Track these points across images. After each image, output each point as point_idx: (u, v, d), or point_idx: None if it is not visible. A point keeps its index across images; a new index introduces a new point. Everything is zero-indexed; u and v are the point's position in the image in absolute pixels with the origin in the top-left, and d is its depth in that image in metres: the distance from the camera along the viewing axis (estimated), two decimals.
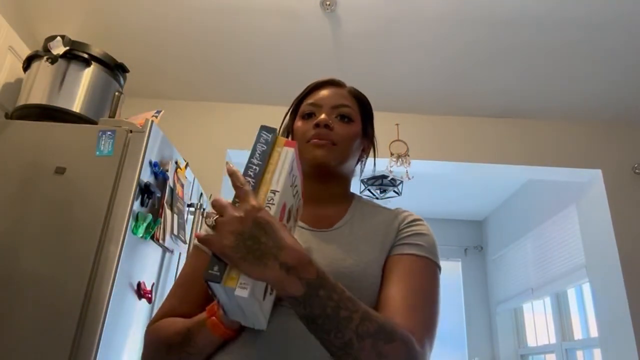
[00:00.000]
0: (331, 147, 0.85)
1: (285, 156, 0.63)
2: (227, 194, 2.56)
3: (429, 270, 0.79)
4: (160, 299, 1.77)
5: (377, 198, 3.47)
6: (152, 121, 1.72)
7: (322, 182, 0.89)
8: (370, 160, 1.02)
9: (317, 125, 0.86)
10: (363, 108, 0.95)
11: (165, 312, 0.80)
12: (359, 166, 0.99)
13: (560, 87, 2.65)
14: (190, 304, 0.78)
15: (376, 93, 2.77)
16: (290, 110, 0.98)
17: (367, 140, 0.98)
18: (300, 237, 0.82)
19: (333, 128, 0.86)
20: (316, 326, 0.57)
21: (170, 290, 0.85)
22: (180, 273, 0.86)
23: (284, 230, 0.57)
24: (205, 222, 0.58)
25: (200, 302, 0.78)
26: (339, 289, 0.59)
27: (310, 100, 0.92)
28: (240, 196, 0.58)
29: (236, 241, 0.54)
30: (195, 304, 0.78)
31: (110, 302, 1.41)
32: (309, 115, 0.90)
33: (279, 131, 0.97)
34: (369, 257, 0.78)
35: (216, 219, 0.56)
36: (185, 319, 0.74)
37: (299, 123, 0.91)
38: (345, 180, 0.93)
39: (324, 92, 0.92)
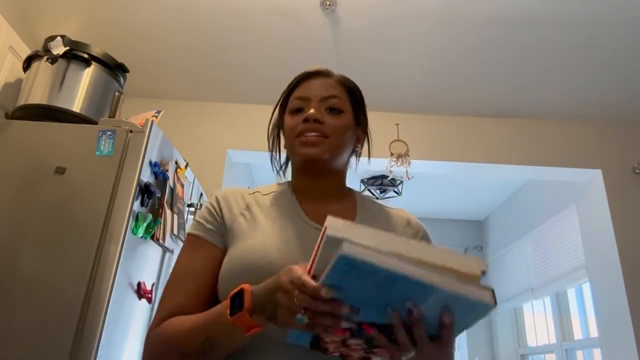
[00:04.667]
0: (322, 141, 0.83)
1: None
2: None
3: None
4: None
5: (377, 198, 3.47)
6: (152, 121, 1.72)
7: (317, 177, 0.88)
8: (365, 149, 0.99)
9: (306, 120, 0.84)
10: (353, 96, 0.93)
11: (172, 311, 0.75)
12: (355, 158, 0.97)
13: (560, 87, 2.65)
14: (199, 299, 0.76)
15: (376, 93, 2.78)
16: (279, 105, 0.95)
17: (360, 129, 0.95)
18: (316, 237, 0.82)
19: (323, 122, 0.85)
20: None
21: (170, 287, 0.80)
22: (178, 267, 0.82)
23: None
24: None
25: (208, 297, 0.76)
26: None
27: (298, 94, 0.90)
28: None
29: None
30: (205, 299, 0.76)
31: (110, 302, 1.41)
32: (298, 110, 0.88)
33: (269, 127, 0.97)
34: None
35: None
36: (192, 320, 0.71)
37: (288, 118, 0.89)
38: (340, 174, 0.92)
39: (312, 84, 0.90)
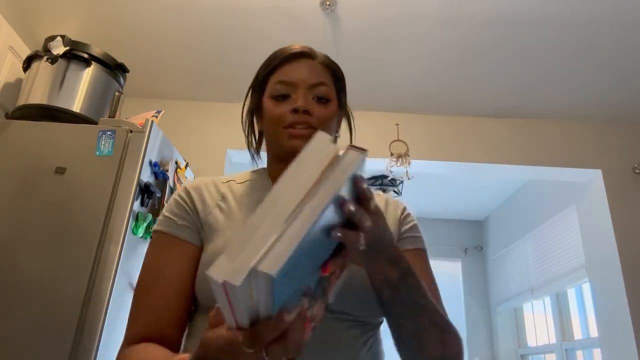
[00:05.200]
0: (311, 134, 0.76)
1: None
2: None
3: (428, 259, 0.84)
4: None
5: None
6: (152, 121, 1.72)
7: None
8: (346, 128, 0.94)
9: (295, 111, 0.77)
10: (337, 80, 0.87)
11: (146, 330, 0.68)
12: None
13: (560, 87, 2.65)
14: (178, 305, 0.70)
15: (376, 93, 2.79)
16: (256, 83, 0.87)
17: (342, 111, 0.91)
18: None
19: (312, 113, 0.78)
20: (400, 309, 0.66)
21: (141, 297, 0.72)
22: (148, 271, 0.73)
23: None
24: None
25: (187, 301, 0.71)
26: (419, 280, 0.66)
27: (282, 78, 0.81)
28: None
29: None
30: (183, 305, 0.70)
31: (110, 302, 1.41)
32: (283, 97, 0.80)
33: (242, 111, 0.90)
34: None
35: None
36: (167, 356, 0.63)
37: (270, 104, 0.81)
38: None
39: (298, 69, 0.82)
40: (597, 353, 2.92)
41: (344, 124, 0.94)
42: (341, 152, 0.47)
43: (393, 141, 2.82)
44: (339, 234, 0.46)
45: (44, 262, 1.45)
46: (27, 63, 1.97)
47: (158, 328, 0.69)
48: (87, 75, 1.93)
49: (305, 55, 0.84)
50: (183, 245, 0.74)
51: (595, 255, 2.84)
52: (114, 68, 2.02)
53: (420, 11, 2.19)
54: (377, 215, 0.58)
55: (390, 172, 2.80)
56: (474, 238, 4.78)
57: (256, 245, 0.40)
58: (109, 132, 1.64)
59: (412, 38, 2.35)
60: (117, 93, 1.91)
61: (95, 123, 1.79)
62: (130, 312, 0.71)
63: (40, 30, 2.30)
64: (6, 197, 1.55)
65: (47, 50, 1.91)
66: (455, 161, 2.86)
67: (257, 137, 0.91)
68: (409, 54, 2.46)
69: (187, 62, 2.63)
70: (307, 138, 0.74)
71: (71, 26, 2.35)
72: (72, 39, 1.95)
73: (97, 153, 1.61)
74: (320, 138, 0.48)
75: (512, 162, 2.85)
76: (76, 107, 1.86)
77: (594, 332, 2.95)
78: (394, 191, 3.62)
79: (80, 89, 1.90)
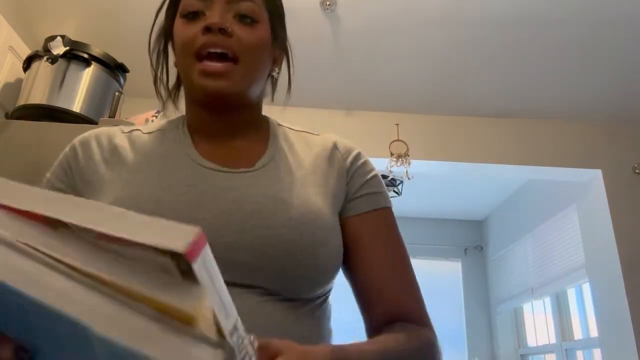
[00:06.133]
0: (231, 70, 0.61)
1: None
2: None
3: (394, 219, 0.68)
4: None
5: None
6: (152, 121, 1.72)
7: (224, 113, 0.66)
8: (285, 75, 0.74)
9: (208, 30, 0.60)
10: (269, 2, 0.68)
11: None
12: (270, 85, 0.74)
13: (560, 87, 2.65)
14: None
15: (376, 93, 2.79)
16: (166, 4, 0.70)
17: (277, 46, 0.70)
18: (213, 181, 0.60)
19: (232, 34, 0.61)
20: None
21: None
22: None
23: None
24: None
25: None
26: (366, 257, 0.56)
27: None
28: None
29: None
30: None
31: None
32: (194, 15, 0.63)
33: (150, 35, 0.73)
34: (317, 205, 0.60)
35: None
36: None
37: (180, 24, 0.64)
38: (254, 106, 0.69)
39: None
40: (597, 353, 2.92)
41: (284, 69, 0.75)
42: None
43: (393, 141, 2.82)
44: None
45: None
46: (27, 63, 1.97)
47: None
48: (87, 75, 1.93)
49: None
50: None
51: (595, 255, 2.84)
52: (114, 68, 2.02)
53: (420, 11, 2.19)
54: None
55: (390, 172, 2.80)
56: (474, 238, 4.78)
57: None
58: None
59: (412, 38, 2.35)
60: (117, 93, 1.91)
61: (96, 123, 1.79)
62: None
63: (40, 30, 2.30)
64: None
65: (47, 50, 1.91)
66: (455, 161, 2.86)
67: (168, 71, 0.74)
68: (409, 54, 2.46)
69: None
70: (225, 75, 0.60)
71: (71, 26, 2.35)
72: (72, 39, 1.95)
73: None
74: None
75: (512, 162, 2.85)
76: (76, 107, 1.86)
77: (594, 332, 2.95)
78: (394, 191, 3.62)
79: (80, 89, 1.89)
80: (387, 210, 0.67)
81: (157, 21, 0.74)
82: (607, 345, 2.68)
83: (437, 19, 2.22)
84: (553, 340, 3.46)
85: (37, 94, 1.85)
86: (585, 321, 3.16)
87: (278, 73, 0.73)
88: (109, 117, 1.83)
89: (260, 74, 0.66)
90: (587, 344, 3.08)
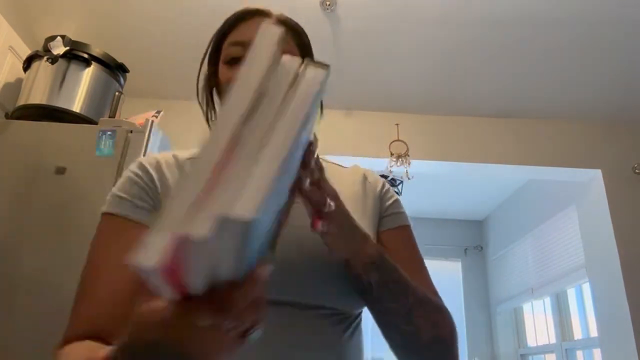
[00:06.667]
0: None
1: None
2: None
3: (413, 235, 0.80)
4: None
5: None
6: (152, 121, 1.72)
7: None
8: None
9: None
10: (299, 39, 0.77)
11: (91, 328, 0.56)
12: None
13: (560, 87, 2.65)
14: (129, 304, 0.54)
15: (376, 93, 2.79)
16: (210, 52, 0.78)
17: None
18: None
19: None
20: (387, 291, 0.61)
21: (89, 288, 0.60)
22: (99, 259, 0.62)
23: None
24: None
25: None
26: (393, 261, 0.63)
27: (235, 39, 0.73)
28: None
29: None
30: (129, 302, 0.55)
31: None
32: (235, 60, 0.71)
33: (197, 78, 0.80)
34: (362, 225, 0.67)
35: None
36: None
37: (224, 69, 0.72)
38: None
39: (251, 27, 0.73)
40: (597, 353, 2.92)
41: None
42: (300, 69, 0.36)
43: (393, 141, 2.82)
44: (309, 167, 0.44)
45: (44, 262, 1.45)
46: (27, 63, 1.97)
47: (105, 325, 0.56)
48: (87, 75, 1.93)
49: (261, 13, 0.75)
50: (141, 229, 0.62)
51: (595, 255, 2.84)
52: (114, 68, 2.02)
53: (420, 11, 2.19)
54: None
55: (390, 172, 2.80)
56: (474, 238, 4.78)
57: (224, 184, 0.29)
58: (109, 132, 1.65)
59: (412, 38, 2.35)
60: (117, 93, 1.91)
61: (96, 123, 1.79)
62: (72, 309, 0.60)
63: (40, 30, 2.30)
64: (6, 197, 1.55)
65: (47, 50, 1.91)
66: (455, 161, 2.86)
67: (215, 110, 0.81)
68: (409, 54, 2.46)
69: (187, 62, 2.62)
70: None
71: (71, 26, 2.35)
72: (72, 39, 1.95)
73: (97, 153, 1.61)
74: (267, 33, 0.35)
75: (512, 162, 2.85)
76: (76, 107, 1.86)
77: (594, 332, 2.95)
78: (394, 191, 3.61)
79: (80, 89, 1.90)
80: (409, 227, 0.79)
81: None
82: (607, 345, 2.68)
83: (437, 19, 2.22)
84: (553, 340, 3.46)
85: (37, 94, 1.85)
86: (585, 321, 3.16)
87: None
88: (109, 117, 1.83)
89: None
90: (587, 344, 3.08)
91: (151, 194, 0.67)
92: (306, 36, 0.79)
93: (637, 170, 2.77)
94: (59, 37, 1.92)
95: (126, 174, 0.69)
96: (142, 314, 0.36)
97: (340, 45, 2.41)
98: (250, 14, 0.75)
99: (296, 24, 0.79)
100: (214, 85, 0.78)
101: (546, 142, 2.88)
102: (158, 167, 0.70)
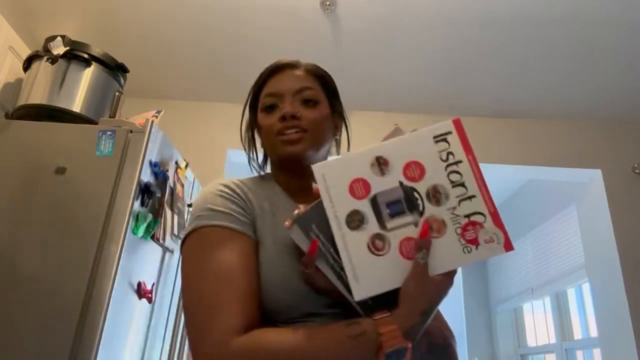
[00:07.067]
0: (303, 137, 0.80)
1: None
2: None
3: None
4: (160, 299, 1.77)
5: None
6: (152, 121, 1.72)
7: (303, 175, 0.81)
8: (345, 136, 0.96)
9: (283, 118, 0.80)
10: (325, 85, 0.89)
11: (248, 321, 0.64)
12: (335, 146, 0.95)
13: (560, 87, 2.65)
14: (257, 300, 0.68)
15: (376, 93, 2.79)
16: (249, 104, 0.92)
17: (337, 116, 0.92)
18: None
19: (300, 116, 0.81)
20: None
21: (222, 290, 0.66)
22: (221, 264, 0.68)
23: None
24: None
25: (259, 296, 0.69)
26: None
27: (268, 91, 0.86)
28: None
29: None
30: (259, 299, 0.68)
31: (111, 302, 1.41)
32: (271, 107, 0.84)
33: (241, 128, 0.94)
34: None
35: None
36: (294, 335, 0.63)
37: (262, 117, 0.86)
38: None
39: (281, 78, 0.86)
40: (597, 353, 2.92)
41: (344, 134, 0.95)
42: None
43: None
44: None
45: (44, 262, 1.45)
46: (27, 63, 1.97)
47: (251, 319, 0.65)
48: (87, 75, 1.93)
49: (289, 66, 0.88)
50: (248, 241, 0.72)
51: (595, 255, 2.84)
52: (114, 68, 2.02)
53: (420, 11, 2.19)
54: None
55: None
56: None
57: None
58: (109, 132, 1.65)
59: (412, 38, 2.35)
60: (117, 93, 1.91)
61: (96, 123, 1.79)
62: (213, 308, 0.64)
63: (40, 30, 2.30)
64: (6, 197, 1.55)
65: (47, 50, 1.91)
66: None
67: (256, 152, 0.94)
68: (409, 54, 2.46)
69: (187, 62, 2.63)
70: (298, 141, 0.80)
71: (71, 26, 2.35)
72: (72, 39, 1.95)
73: (97, 153, 1.61)
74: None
75: (512, 162, 2.85)
76: (76, 107, 1.86)
77: (593, 332, 2.95)
78: None
79: (80, 89, 1.90)
80: None
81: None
82: (607, 345, 2.68)
83: (437, 18, 2.22)
84: (553, 340, 3.46)
85: (37, 94, 1.86)
86: (585, 321, 3.16)
87: (340, 136, 0.94)
88: (109, 117, 1.83)
89: (324, 139, 0.85)
90: (587, 344, 3.08)
91: (247, 210, 0.77)
92: (331, 80, 0.91)
93: (637, 170, 2.77)
94: (59, 37, 1.92)
95: (217, 192, 0.77)
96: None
97: (340, 45, 2.41)
98: (279, 68, 0.87)
99: (322, 70, 0.90)
100: (254, 128, 0.91)
101: (546, 142, 2.88)
102: (242, 188, 0.80)
